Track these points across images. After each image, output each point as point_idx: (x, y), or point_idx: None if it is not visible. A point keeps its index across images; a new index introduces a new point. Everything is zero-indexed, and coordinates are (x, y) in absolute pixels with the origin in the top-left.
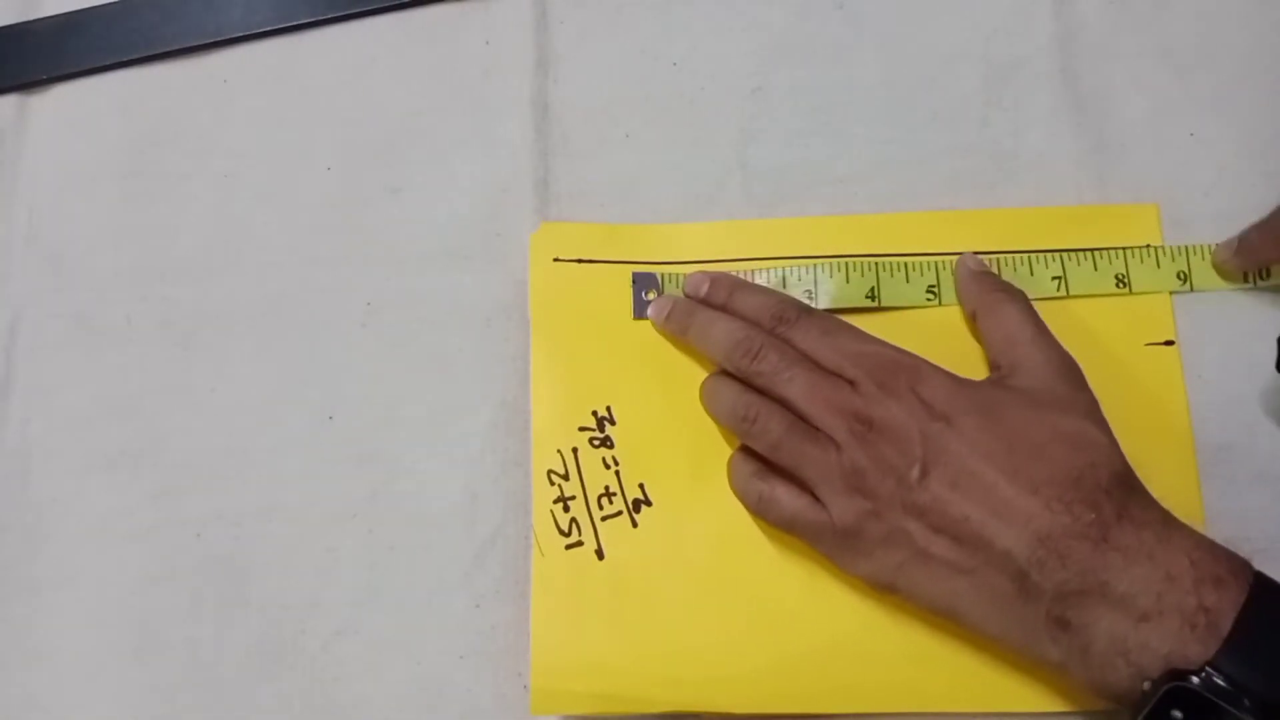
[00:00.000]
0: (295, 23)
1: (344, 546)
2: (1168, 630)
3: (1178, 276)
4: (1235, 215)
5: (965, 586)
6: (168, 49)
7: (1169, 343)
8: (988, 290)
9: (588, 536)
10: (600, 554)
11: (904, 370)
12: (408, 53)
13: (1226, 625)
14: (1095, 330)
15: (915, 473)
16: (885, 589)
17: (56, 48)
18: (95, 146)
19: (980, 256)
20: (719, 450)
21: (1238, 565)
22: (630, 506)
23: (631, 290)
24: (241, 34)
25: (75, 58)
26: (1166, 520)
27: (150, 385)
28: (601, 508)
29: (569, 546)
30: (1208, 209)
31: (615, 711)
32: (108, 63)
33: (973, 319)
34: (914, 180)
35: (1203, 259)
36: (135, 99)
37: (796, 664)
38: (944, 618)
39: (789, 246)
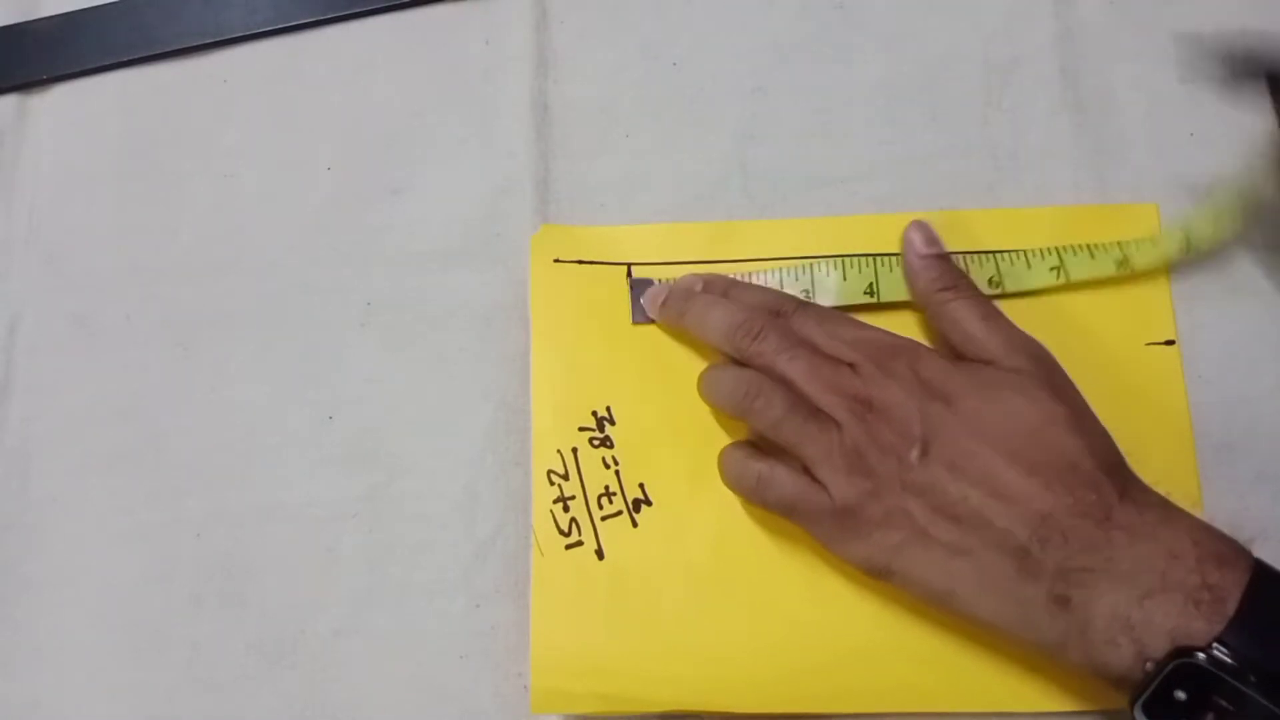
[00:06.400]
0: (295, 23)
1: (344, 546)
2: (1172, 607)
3: (1182, 244)
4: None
5: (963, 567)
6: (168, 49)
7: (1169, 342)
8: (935, 289)
9: (587, 536)
10: (600, 554)
11: (903, 352)
12: (408, 53)
13: (1232, 602)
14: (1095, 330)
15: (915, 453)
16: (880, 573)
17: (56, 48)
18: (95, 146)
19: (929, 228)
20: (718, 450)
21: (1239, 547)
22: (630, 506)
23: (630, 294)
24: (241, 34)
25: (75, 58)
26: (1166, 504)
27: (150, 385)
28: (601, 507)
29: (569, 546)
30: None
31: (615, 711)
32: (108, 63)
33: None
34: (914, 180)
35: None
36: (135, 99)
37: (796, 664)
38: (938, 603)
39: (788, 247)
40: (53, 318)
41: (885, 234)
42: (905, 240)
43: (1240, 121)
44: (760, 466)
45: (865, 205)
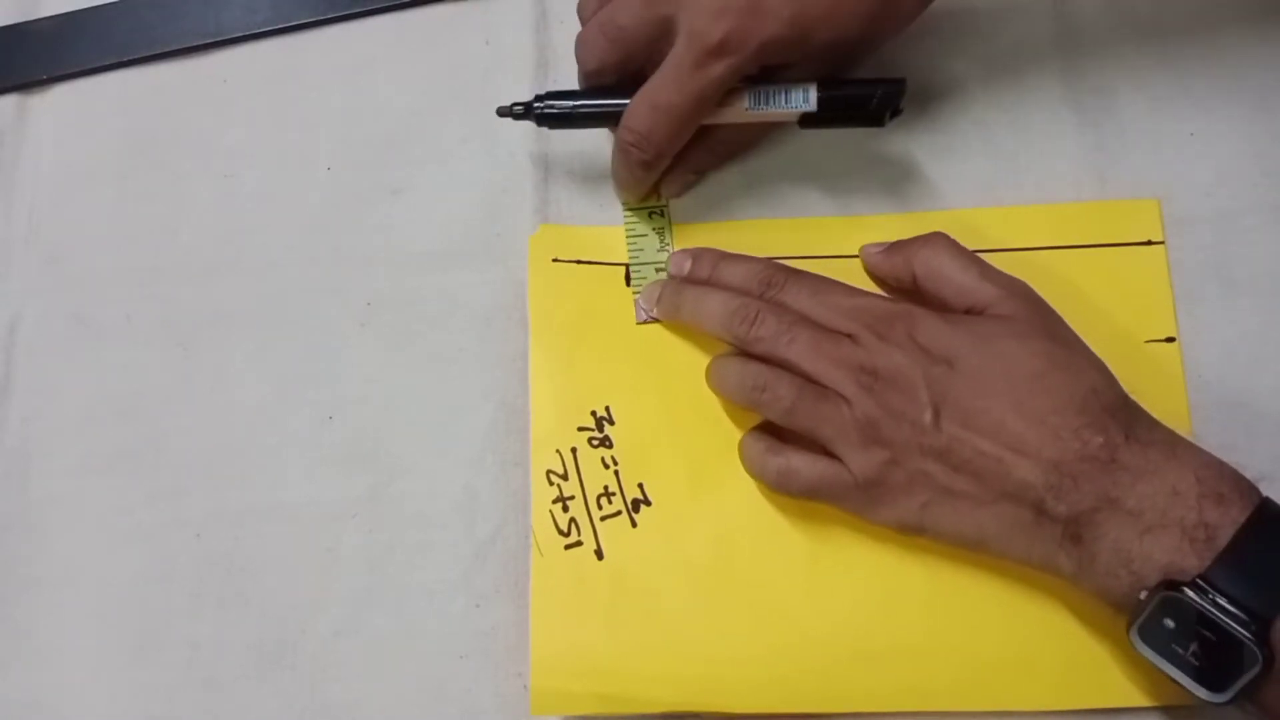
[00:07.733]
0: (295, 23)
1: (344, 546)
2: (1167, 543)
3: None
4: (1235, 215)
5: (989, 516)
6: (168, 49)
7: (1170, 339)
8: (912, 253)
9: (587, 536)
10: (600, 554)
11: (899, 318)
12: (408, 53)
13: (1223, 540)
14: (1095, 326)
15: (928, 417)
16: (912, 531)
17: (56, 48)
18: (95, 146)
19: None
20: (718, 450)
21: (1244, 486)
22: (629, 506)
23: (635, 306)
24: (241, 34)
25: (75, 58)
26: (1173, 439)
27: (150, 385)
28: (601, 508)
29: (568, 546)
30: (1208, 209)
31: (615, 711)
32: (108, 63)
33: (914, 283)
34: (914, 180)
35: None
36: (135, 99)
37: (796, 663)
38: (971, 549)
39: (788, 246)
40: (53, 318)
41: (886, 234)
42: (863, 258)
43: (1240, 121)
44: (777, 461)
45: (865, 205)
